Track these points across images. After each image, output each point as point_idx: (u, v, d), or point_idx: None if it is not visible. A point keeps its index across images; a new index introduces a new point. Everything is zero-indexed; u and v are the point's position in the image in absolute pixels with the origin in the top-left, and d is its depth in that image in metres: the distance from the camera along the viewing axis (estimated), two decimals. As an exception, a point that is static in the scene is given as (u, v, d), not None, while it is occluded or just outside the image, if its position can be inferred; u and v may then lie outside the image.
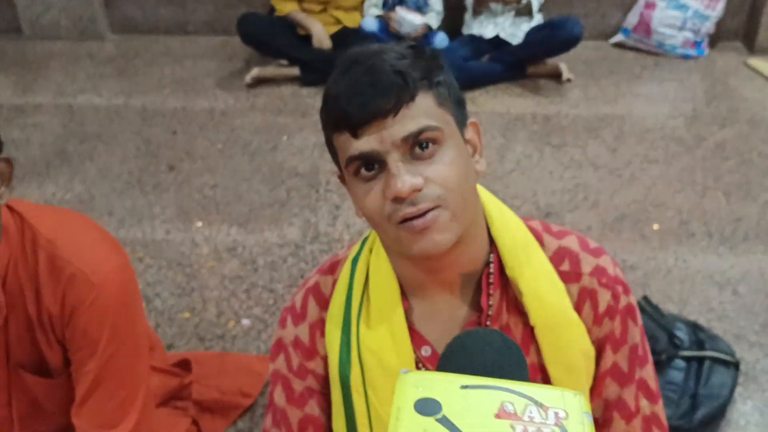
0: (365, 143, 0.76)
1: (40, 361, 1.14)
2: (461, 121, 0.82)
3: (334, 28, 3.41)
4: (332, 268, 0.99)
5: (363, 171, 0.78)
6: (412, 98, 0.76)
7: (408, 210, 0.76)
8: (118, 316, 1.10)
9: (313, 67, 3.35)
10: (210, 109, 3.18)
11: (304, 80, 3.38)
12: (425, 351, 0.90)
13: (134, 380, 1.16)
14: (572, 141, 2.85)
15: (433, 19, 3.40)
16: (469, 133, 0.84)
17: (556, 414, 0.39)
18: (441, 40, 3.37)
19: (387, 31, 3.38)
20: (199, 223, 2.39)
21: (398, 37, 3.32)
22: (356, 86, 0.76)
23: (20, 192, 2.55)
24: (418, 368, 0.91)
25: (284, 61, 3.43)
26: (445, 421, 0.39)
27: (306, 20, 3.37)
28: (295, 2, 3.43)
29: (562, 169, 2.65)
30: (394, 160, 0.76)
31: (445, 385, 0.41)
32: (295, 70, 3.39)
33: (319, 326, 0.95)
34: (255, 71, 3.36)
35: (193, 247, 2.27)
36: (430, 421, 0.38)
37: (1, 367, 1.12)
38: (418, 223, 0.76)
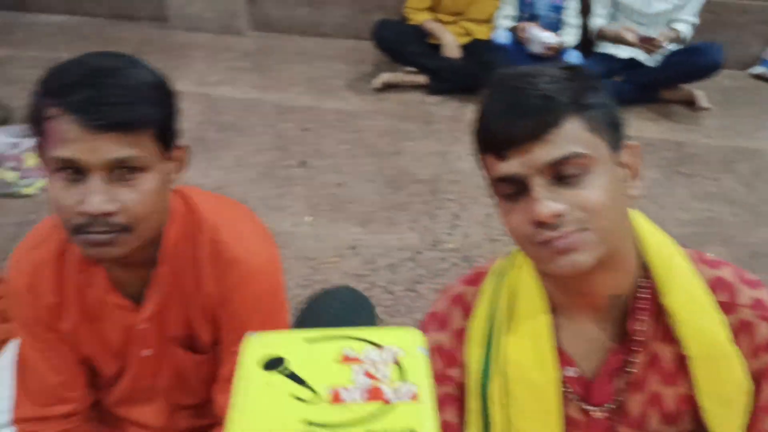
0: (508, 166, 0.78)
1: (191, 337, 1.22)
2: (615, 144, 0.81)
3: (465, 40, 3.45)
4: (476, 279, 1.01)
5: (507, 192, 0.80)
6: (556, 123, 0.76)
7: (549, 234, 0.77)
8: (268, 303, 1.17)
9: (441, 77, 3.40)
10: (339, 109, 3.28)
11: (432, 89, 3.43)
12: (571, 371, 0.91)
13: None
14: (705, 172, 2.75)
15: (571, 35, 3.36)
16: (626, 156, 0.83)
17: (392, 351, 0.42)
18: (573, 58, 3.33)
19: (518, 44, 3.37)
20: (308, 218, 2.48)
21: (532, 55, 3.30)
22: (502, 108, 0.78)
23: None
24: (564, 388, 0.92)
25: (412, 69, 3.49)
26: (289, 374, 0.40)
27: (438, 30, 3.42)
28: (428, 12, 3.49)
29: (693, 200, 2.56)
30: (537, 185, 0.77)
31: (289, 341, 0.43)
32: (423, 78, 3.45)
33: (462, 334, 0.98)
34: (384, 76, 3.44)
35: (318, 242, 2.36)
36: (273, 375, 0.40)
37: (154, 340, 1.21)
38: (560, 243, 0.77)
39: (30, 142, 2.55)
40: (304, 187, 2.69)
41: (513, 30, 3.39)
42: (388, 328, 0.45)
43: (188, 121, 3.14)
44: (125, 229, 0.91)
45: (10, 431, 1.23)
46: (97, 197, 0.88)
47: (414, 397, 0.40)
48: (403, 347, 0.43)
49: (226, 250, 1.11)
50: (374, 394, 0.40)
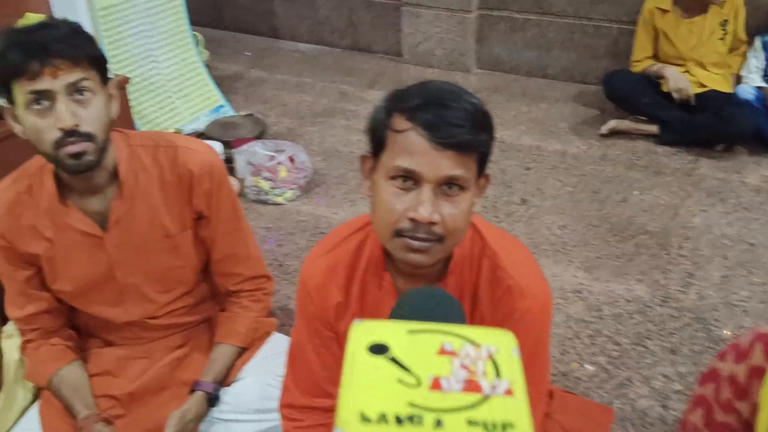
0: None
1: None
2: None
3: (699, 90, 3.27)
4: None
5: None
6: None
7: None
8: (540, 331, 1.21)
9: (673, 128, 3.26)
10: (563, 151, 3.28)
11: (662, 139, 3.31)
12: None
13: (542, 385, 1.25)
14: None
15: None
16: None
17: (488, 349, 0.44)
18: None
19: (765, 103, 3.15)
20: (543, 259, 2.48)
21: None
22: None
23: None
24: None
25: (642, 117, 3.39)
26: (393, 360, 0.42)
27: (661, 68, 3.30)
28: (651, 60, 3.39)
29: None
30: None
31: (394, 331, 0.45)
32: (653, 128, 3.34)
33: (760, 373, 0.95)
34: (612, 123, 3.38)
35: (540, 281, 2.36)
36: (380, 360, 0.42)
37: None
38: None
39: (283, 156, 2.84)
40: (526, 225, 2.71)
41: (762, 90, 3.18)
42: (484, 328, 0.46)
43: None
44: (440, 239, 1.01)
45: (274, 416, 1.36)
46: (428, 207, 0.98)
47: (509, 392, 0.41)
48: (498, 346, 0.45)
49: (505, 277, 1.17)
50: (472, 386, 0.41)
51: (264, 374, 1.54)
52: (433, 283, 1.18)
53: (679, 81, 3.22)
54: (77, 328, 1.60)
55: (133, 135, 1.48)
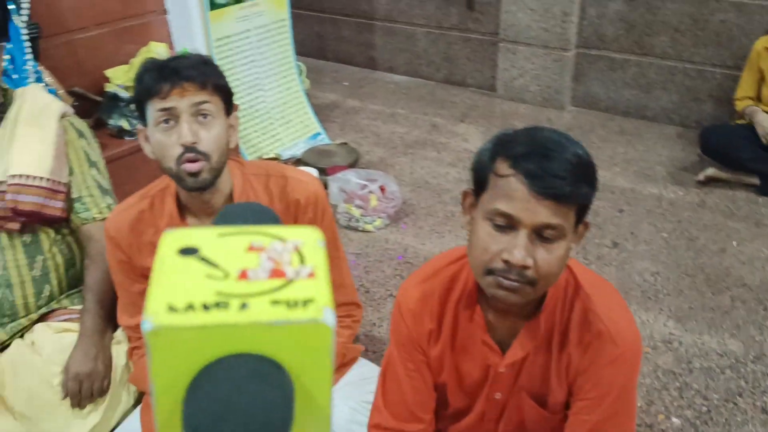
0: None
1: (544, 392, 1.30)
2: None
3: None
4: None
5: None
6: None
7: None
8: (628, 379, 1.20)
9: (775, 180, 3.14)
10: (658, 195, 3.20)
11: (762, 190, 3.18)
12: None
13: None
14: None
15: None
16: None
17: (294, 243, 0.46)
18: None
19: None
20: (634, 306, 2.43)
21: None
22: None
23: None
24: None
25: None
26: (203, 259, 0.45)
27: (753, 113, 3.18)
28: (751, 101, 3.28)
29: None
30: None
31: (203, 235, 0.47)
32: (753, 179, 3.21)
33: None
34: (710, 171, 3.28)
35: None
36: (188, 259, 0.44)
37: (509, 386, 1.30)
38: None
39: (375, 186, 2.92)
40: (617, 269, 2.67)
41: None
42: (291, 226, 0.48)
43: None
44: (531, 283, 1.04)
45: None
46: (522, 252, 1.01)
47: (311, 275, 0.44)
48: (303, 240, 0.47)
49: (597, 321, 1.18)
50: (277, 273, 0.44)
51: (350, 399, 1.60)
52: (525, 320, 1.20)
53: (767, 126, 3.12)
54: None
55: (248, 164, 1.59)
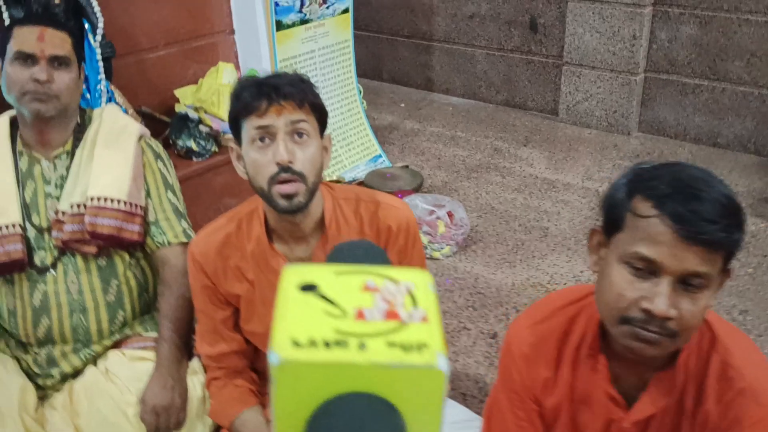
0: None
1: None
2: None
3: None
4: None
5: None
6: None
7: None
8: None
9: None
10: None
11: None
12: None
13: None
14: None
15: None
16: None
17: (407, 285, 0.47)
18: None
19: None
20: None
21: None
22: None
23: (551, 261, 2.81)
24: None
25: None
26: (322, 296, 0.46)
27: None
28: None
29: None
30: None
31: (321, 272, 0.48)
32: None
33: None
34: (796, 200, 3.12)
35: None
36: (310, 296, 0.46)
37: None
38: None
39: (442, 212, 2.83)
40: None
41: None
42: (403, 268, 0.49)
43: (576, 212, 3.22)
44: (672, 335, 0.95)
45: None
46: (666, 301, 0.91)
47: (424, 319, 0.45)
48: (415, 283, 0.48)
49: (737, 377, 1.08)
50: (391, 315, 0.45)
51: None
52: (655, 372, 1.10)
53: None
54: (258, 372, 1.64)
55: (337, 188, 1.52)
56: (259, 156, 1.32)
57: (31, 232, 1.70)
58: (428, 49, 4.99)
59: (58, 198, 1.72)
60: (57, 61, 1.65)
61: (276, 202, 1.33)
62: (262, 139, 1.32)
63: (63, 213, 1.68)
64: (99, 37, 2.38)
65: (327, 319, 0.45)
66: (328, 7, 3.39)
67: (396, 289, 0.48)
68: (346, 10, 3.52)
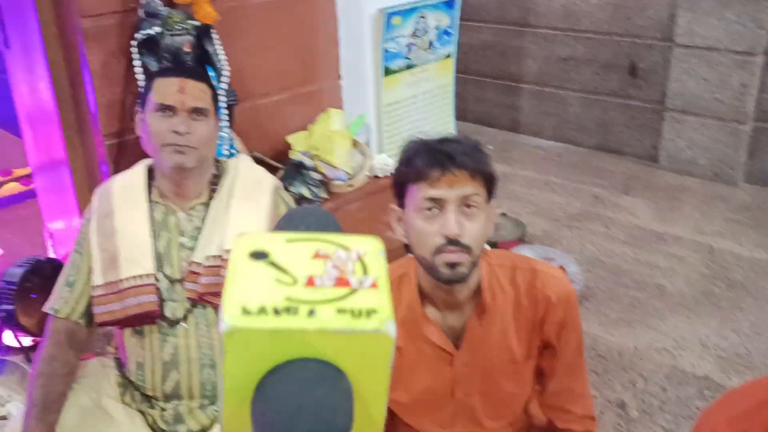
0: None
1: None
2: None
3: None
4: None
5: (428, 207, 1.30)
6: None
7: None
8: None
9: None
10: None
11: None
12: None
13: None
14: None
15: None
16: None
17: (357, 252, 0.49)
18: None
19: None
20: None
21: None
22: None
23: (671, 322, 2.67)
24: None
25: None
26: (272, 263, 0.47)
27: None
28: None
29: None
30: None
31: (273, 240, 0.49)
32: None
33: None
34: None
35: None
36: (260, 264, 0.47)
37: None
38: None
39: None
40: None
41: None
42: (354, 235, 0.49)
43: (691, 269, 3.06)
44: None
45: None
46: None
47: (374, 285, 0.46)
48: (366, 250, 0.49)
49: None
50: (341, 282, 0.46)
51: None
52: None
53: None
54: None
55: (492, 254, 1.47)
56: (426, 226, 1.29)
57: (164, 284, 1.68)
58: (517, 90, 4.92)
59: (191, 249, 1.69)
60: (196, 113, 1.65)
61: (440, 272, 1.30)
62: (429, 209, 1.29)
63: (198, 264, 1.66)
64: (225, 85, 2.39)
65: (277, 286, 0.46)
66: (432, 52, 3.36)
67: (347, 256, 0.49)
68: (448, 55, 3.49)
